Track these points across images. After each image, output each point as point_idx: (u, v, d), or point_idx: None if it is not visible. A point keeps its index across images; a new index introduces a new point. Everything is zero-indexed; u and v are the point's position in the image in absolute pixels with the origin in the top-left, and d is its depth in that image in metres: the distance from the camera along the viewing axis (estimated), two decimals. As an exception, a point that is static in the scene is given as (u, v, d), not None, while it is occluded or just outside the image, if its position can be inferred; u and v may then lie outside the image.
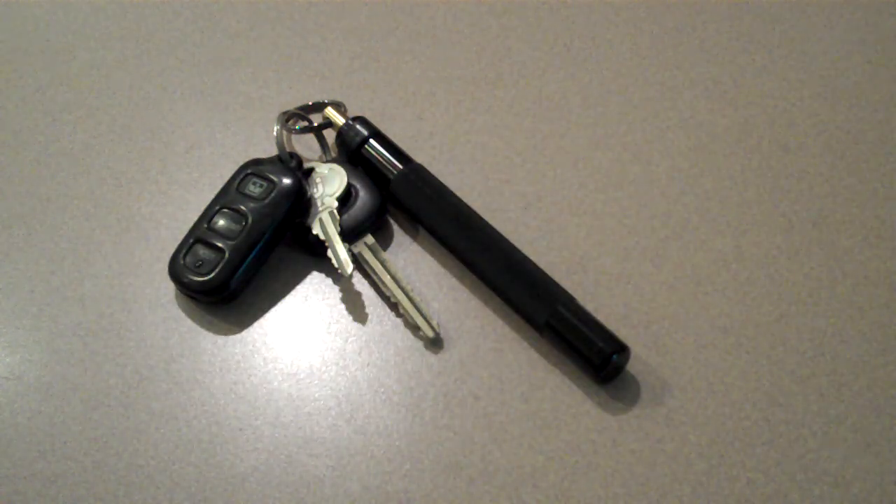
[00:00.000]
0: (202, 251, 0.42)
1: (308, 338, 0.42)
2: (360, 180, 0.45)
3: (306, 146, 0.49)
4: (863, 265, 0.43)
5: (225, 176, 0.45)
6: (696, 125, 0.49)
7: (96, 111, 0.51)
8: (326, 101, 0.48)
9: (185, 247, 0.43)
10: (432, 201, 0.44)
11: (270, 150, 0.47)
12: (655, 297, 0.43)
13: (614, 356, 0.39)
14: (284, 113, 0.46)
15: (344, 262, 0.42)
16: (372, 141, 0.46)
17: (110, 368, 0.41)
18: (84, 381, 0.41)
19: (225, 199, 0.44)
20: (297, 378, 0.41)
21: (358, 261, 0.43)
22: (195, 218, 0.44)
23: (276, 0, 0.56)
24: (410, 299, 0.42)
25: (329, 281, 0.44)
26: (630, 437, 0.39)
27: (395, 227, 0.46)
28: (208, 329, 0.43)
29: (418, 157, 0.47)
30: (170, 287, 0.44)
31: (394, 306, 0.43)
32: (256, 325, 0.43)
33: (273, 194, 0.43)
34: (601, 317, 0.41)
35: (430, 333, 0.41)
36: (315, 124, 0.47)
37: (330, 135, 0.48)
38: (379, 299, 0.43)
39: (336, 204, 0.44)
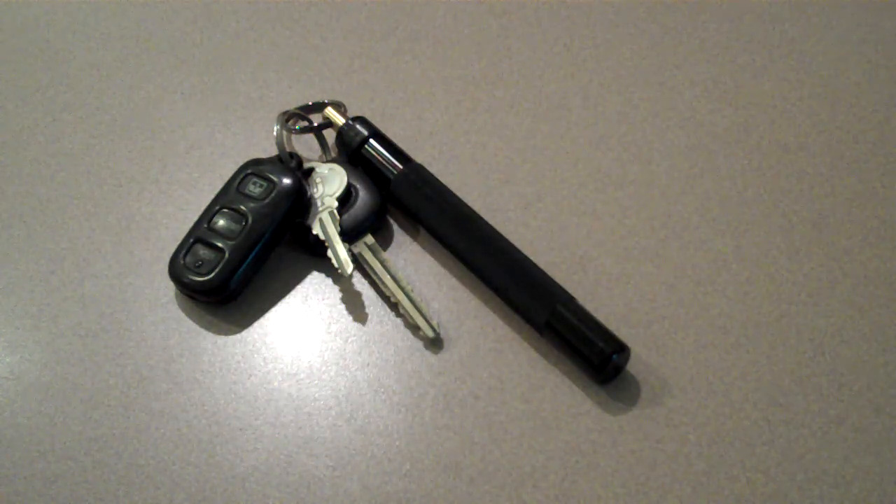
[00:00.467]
0: (202, 251, 0.42)
1: (308, 338, 0.42)
2: (360, 180, 0.45)
3: (306, 146, 0.49)
4: (863, 265, 0.43)
5: (225, 176, 0.45)
6: (696, 125, 0.49)
7: (96, 111, 0.51)
8: (326, 101, 0.48)
9: (185, 247, 0.43)
10: (432, 201, 0.44)
11: (270, 150, 0.47)
12: (655, 297, 0.43)
13: (614, 356, 0.39)
14: (284, 113, 0.46)
15: (344, 262, 0.42)
16: (372, 141, 0.46)
17: (110, 368, 0.41)
18: (84, 381, 0.41)
19: (225, 199, 0.44)
20: (297, 378, 0.41)
21: (358, 261, 0.43)
22: (195, 218, 0.44)
23: (276, 0, 0.56)
24: (410, 299, 0.42)
25: (329, 281, 0.44)
26: (630, 437, 0.39)
27: (395, 227, 0.46)
28: (208, 329, 0.43)
29: (418, 157, 0.47)
30: (170, 287, 0.44)
31: (394, 306, 0.43)
32: (256, 325, 0.43)
33: (273, 194, 0.43)
34: (601, 317, 0.41)
35: (430, 333, 0.41)
36: (315, 124, 0.47)
37: (330, 135, 0.48)
38: (379, 299, 0.43)
39: (336, 204, 0.44)
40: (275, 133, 0.46)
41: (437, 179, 0.45)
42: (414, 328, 0.42)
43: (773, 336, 0.41)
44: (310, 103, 0.48)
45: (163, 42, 0.54)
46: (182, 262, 0.42)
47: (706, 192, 0.46)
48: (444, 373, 0.41)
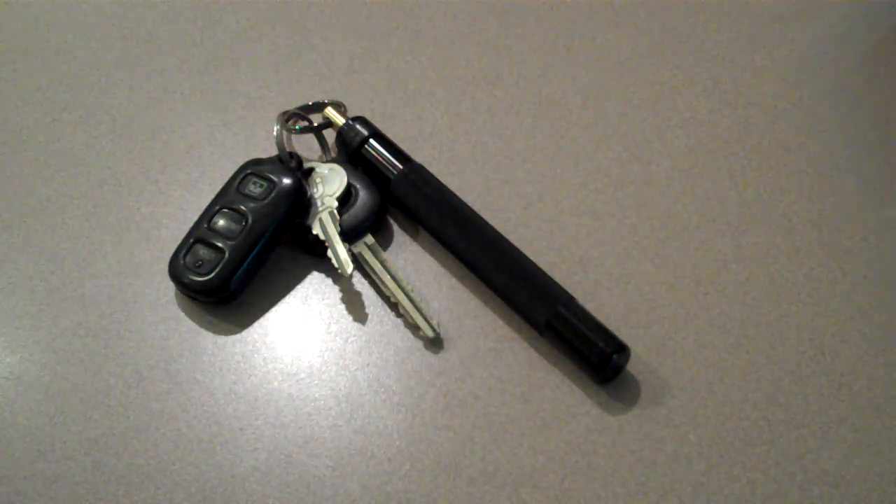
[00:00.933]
0: (202, 251, 0.42)
1: (308, 338, 0.42)
2: (360, 180, 0.45)
3: (306, 146, 0.49)
4: (863, 265, 0.43)
5: (225, 176, 0.45)
6: (696, 125, 0.49)
7: (96, 111, 0.51)
8: (326, 101, 0.48)
9: (185, 247, 0.43)
10: (432, 201, 0.44)
11: (270, 150, 0.47)
12: (655, 297, 0.43)
13: (614, 356, 0.39)
14: (284, 113, 0.46)
15: (344, 262, 0.42)
16: (372, 141, 0.46)
17: (110, 368, 0.41)
18: (84, 381, 0.41)
19: (225, 199, 0.44)
20: (297, 378, 0.41)
21: (358, 261, 0.43)
22: (195, 218, 0.44)
23: (276, 0, 0.55)
24: (410, 299, 0.42)
25: (329, 281, 0.44)
26: (630, 436, 0.39)
27: (395, 227, 0.46)
28: (208, 329, 0.43)
29: (418, 157, 0.47)
30: (170, 287, 0.44)
31: (394, 306, 0.43)
32: (256, 325, 0.43)
33: (273, 194, 0.43)
34: (601, 317, 0.41)
35: (430, 333, 0.41)
36: (315, 124, 0.47)
37: (330, 135, 0.48)
38: (379, 299, 0.43)
39: (336, 204, 0.44)
40: (275, 133, 0.46)
41: (437, 179, 0.45)
42: (414, 328, 0.42)
43: (773, 336, 0.41)
44: (310, 103, 0.48)
45: (163, 42, 0.54)
46: (182, 262, 0.42)
47: (706, 192, 0.46)
48: (443, 373, 0.41)
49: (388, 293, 0.42)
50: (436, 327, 0.42)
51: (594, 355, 0.39)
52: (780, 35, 0.53)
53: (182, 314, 0.43)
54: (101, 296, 0.44)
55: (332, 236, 0.43)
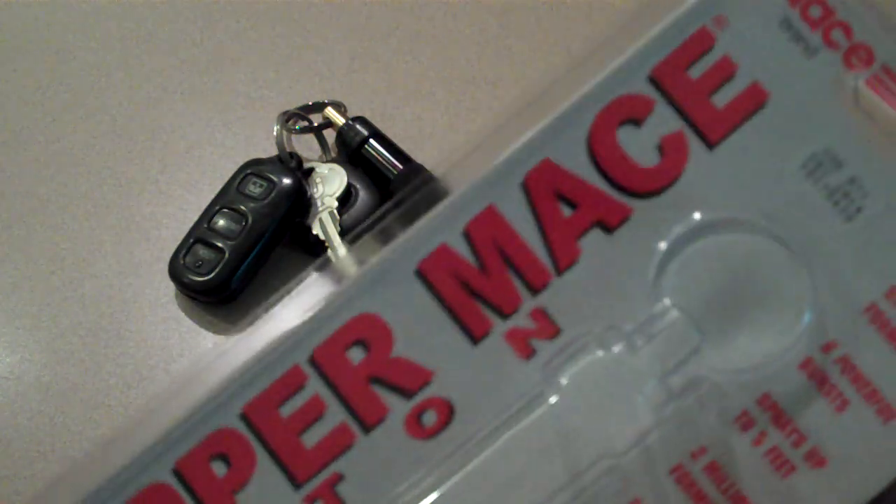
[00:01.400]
0: (202, 251, 0.42)
1: (308, 338, 0.42)
2: (360, 180, 0.45)
3: (306, 146, 0.49)
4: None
5: (225, 176, 0.45)
6: (696, 125, 0.49)
7: (96, 111, 0.51)
8: (326, 101, 0.48)
9: (185, 247, 0.43)
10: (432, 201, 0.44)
11: (270, 150, 0.47)
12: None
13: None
14: (284, 113, 0.46)
15: (344, 262, 0.42)
16: (372, 141, 0.46)
17: (110, 368, 0.41)
18: (84, 381, 0.41)
19: (225, 199, 0.44)
20: (297, 378, 0.41)
21: (358, 261, 0.43)
22: (195, 218, 0.44)
23: (276, 0, 0.55)
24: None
25: (329, 281, 0.44)
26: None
27: (395, 227, 0.46)
28: (208, 329, 0.43)
29: (418, 157, 0.47)
30: (170, 287, 0.44)
31: (394, 306, 0.43)
32: (256, 325, 0.43)
33: (273, 194, 0.43)
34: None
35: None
36: (315, 124, 0.47)
37: (330, 135, 0.48)
38: (379, 299, 0.43)
39: (336, 204, 0.44)
40: (275, 133, 0.46)
41: (437, 179, 0.45)
42: (414, 328, 0.42)
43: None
44: (310, 103, 0.48)
45: (163, 42, 0.54)
46: (182, 262, 0.42)
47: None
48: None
49: (388, 293, 0.42)
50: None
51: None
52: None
53: (182, 314, 0.43)
54: (101, 296, 0.44)
55: (332, 236, 0.43)
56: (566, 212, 0.20)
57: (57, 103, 0.51)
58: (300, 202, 0.44)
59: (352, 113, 0.49)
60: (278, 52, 0.53)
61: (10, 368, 0.42)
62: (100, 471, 0.21)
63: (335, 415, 0.20)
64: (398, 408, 0.20)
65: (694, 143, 0.19)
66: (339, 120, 0.47)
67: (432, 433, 0.19)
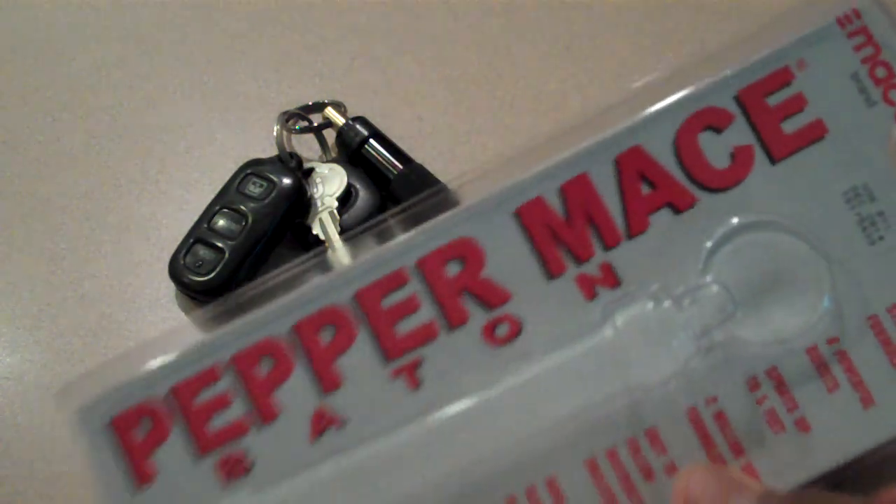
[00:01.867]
0: (202, 251, 0.42)
1: (308, 338, 0.42)
2: (360, 180, 0.45)
3: (306, 146, 0.49)
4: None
5: (225, 176, 0.45)
6: (696, 125, 0.49)
7: (96, 111, 0.51)
8: (326, 101, 0.48)
9: (186, 247, 0.43)
10: (432, 201, 0.44)
11: (270, 150, 0.47)
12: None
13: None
14: (284, 113, 0.46)
15: (344, 262, 0.42)
16: (372, 141, 0.46)
17: (110, 368, 0.41)
18: (84, 381, 0.41)
19: (225, 199, 0.44)
20: (297, 378, 0.41)
21: (358, 261, 0.43)
22: (195, 218, 0.44)
23: (276, 0, 0.55)
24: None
25: (329, 281, 0.44)
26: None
27: (395, 227, 0.46)
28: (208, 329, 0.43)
29: (418, 157, 0.47)
30: (170, 287, 0.44)
31: (394, 306, 0.43)
32: (256, 325, 0.43)
33: (273, 194, 0.43)
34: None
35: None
36: (315, 124, 0.47)
37: (330, 135, 0.48)
38: (379, 299, 0.43)
39: (336, 204, 0.44)
40: (275, 133, 0.46)
41: (437, 179, 0.45)
42: (414, 328, 0.42)
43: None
44: (310, 103, 0.48)
45: (163, 42, 0.54)
46: (182, 262, 0.42)
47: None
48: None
49: (388, 293, 0.42)
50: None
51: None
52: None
53: (182, 314, 0.43)
54: (100, 296, 0.44)
55: (332, 236, 0.43)
56: (645, 190, 0.24)
57: (57, 103, 0.51)
58: (300, 202, 0.44)
59: (352, 113, 0.49)
60: (278, 52, 0.53)
61: (10, 368, 0.42)
62: (226, 324, 0.26)
63: (426, 312, 0.24)
64: (478, 316, 0.24)
65: (760, 157, 0.24)
66: (339, 120, 0.47)
67: (503, 343, 0.24)
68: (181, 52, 0.53)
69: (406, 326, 0.25)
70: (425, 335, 0.24)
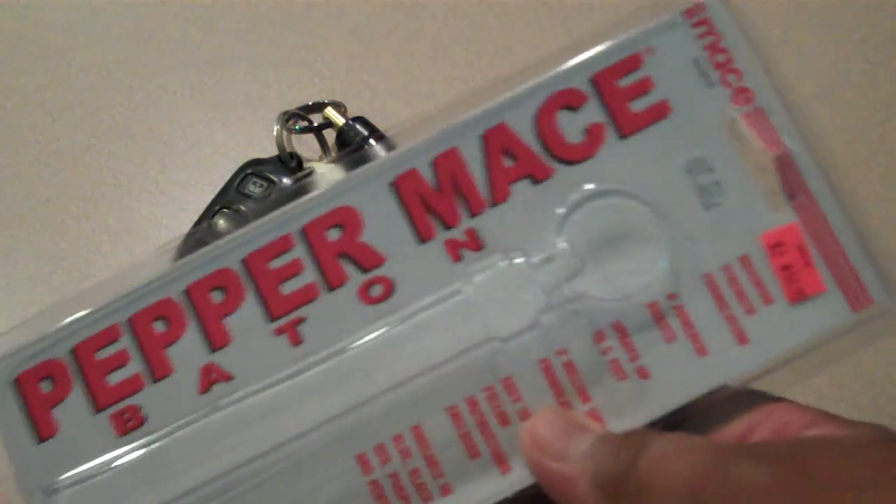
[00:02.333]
0: (202, 251, 0.42)
1: (308, 338, 0.42)
2: (360, 180, 0.45)
3: (306, 146, 0.49)
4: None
5: (225, 176, 0.45)
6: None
7: (96, 111, 0.51)
8: (326, 101, 0.48)
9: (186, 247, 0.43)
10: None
11: (270, 150, 0.47)
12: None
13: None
14: (284, 113, 0.46)
15: (344, 262, 0.42)
16: (372, 141, 0.46)
17: (110, 368, 0.41)
18: (84, 381, 0.41)
19: (225, 199, 0.44)
20: (297, 378, 0.41)
21: (358, 261, 0.43)
22: (195, 218, 0.44)
23: (276, 0, 0.56)
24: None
25: (329, 281, 0.44)
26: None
27: (395, 227, 0.46)
28: (208, 329, 0.43)
29: (418, 157, 0.47)
30: (170, 287, 0.44)
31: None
32: (256, 325, 0.43)
33: (273, 194, 0.43)
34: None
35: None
36: (315, 124, 0.47)
37: (330, 135, 0.48)
38: (379, 299, 0.43)
39: (336, 204, 0.44)
40: (275, 133, 0.46)
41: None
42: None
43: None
44: (310, 103, 0.48)
45: (163, 42, 0.54)
46: (182, 262, 0.42)
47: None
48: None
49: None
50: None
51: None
52: (780, 35, 0.53)
53: (182, 314, 0.43)
54: (101, 296, 0.44)
55: (332, 236, 0.43)
56: (508, 163, 0.27)
57: (57, 103, 0.51)
58: (300, 202, 0.44)
59: (352, 113, 0.49)
60: (278, 52, 0.53)
61: (10, 368, 0.42)
62: (119, 286, 0.28)
63: (308, 274, 0.27)
64: (355, 278, 0.26)
65: (610, 133, 0.27)
66: (339, 120, 0.47)
67: (376, 301, 0.26)
68: (181, 52, 0.53)
69: (289, 288, 0.27)
70: (307, 295, 0.27)
